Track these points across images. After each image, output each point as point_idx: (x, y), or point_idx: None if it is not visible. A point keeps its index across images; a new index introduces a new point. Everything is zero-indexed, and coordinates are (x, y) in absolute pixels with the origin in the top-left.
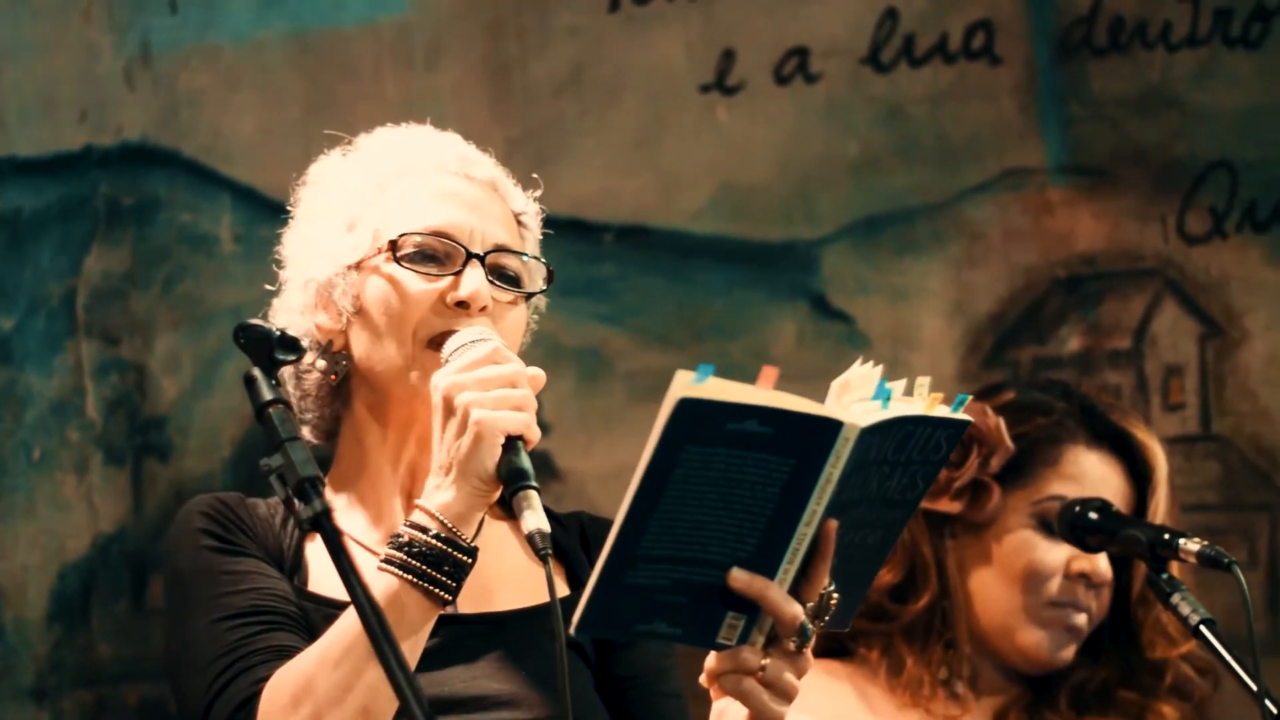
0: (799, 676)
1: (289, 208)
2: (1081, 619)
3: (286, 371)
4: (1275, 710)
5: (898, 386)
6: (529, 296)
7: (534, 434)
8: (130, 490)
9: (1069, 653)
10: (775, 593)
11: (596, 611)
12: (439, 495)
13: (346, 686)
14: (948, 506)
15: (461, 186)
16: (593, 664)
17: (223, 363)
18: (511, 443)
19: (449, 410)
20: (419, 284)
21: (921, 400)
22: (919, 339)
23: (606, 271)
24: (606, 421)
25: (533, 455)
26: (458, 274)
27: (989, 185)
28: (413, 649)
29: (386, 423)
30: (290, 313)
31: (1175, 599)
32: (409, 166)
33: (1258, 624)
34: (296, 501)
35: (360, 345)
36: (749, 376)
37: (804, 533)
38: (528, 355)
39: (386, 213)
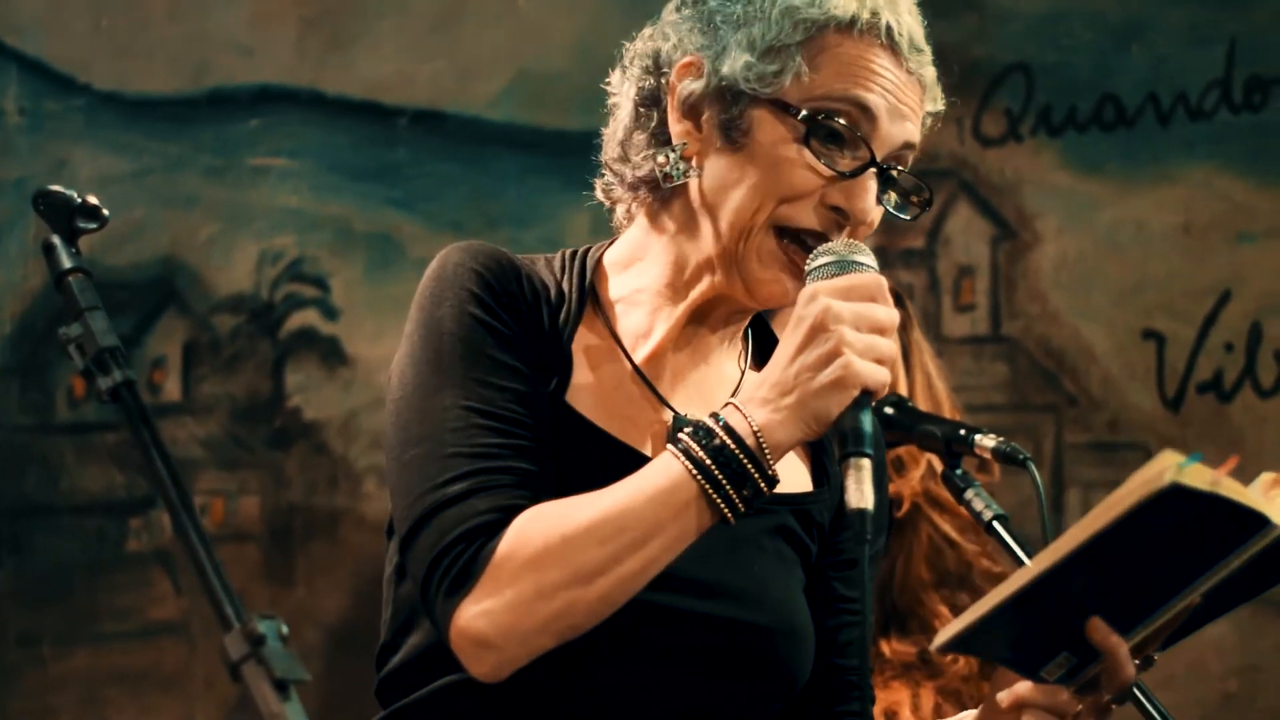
0: None
1: (80, 82)
2: None
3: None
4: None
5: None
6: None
7: (883, 393)
8: None
9: None
10: (1123, 652)
11: (966, 636)
12: (768, 414)
13: (601, 570)
14: None
15: (896, 72)
16: (813, 563)
17: (3, 238)
18: (863, 397)
19: (818, 331)
20: (813, 163)
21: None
22: None
23: (400, 156)
24: (397, 307)
25: (322, 340)
26: (853, 175)
27: None
28: (671, 554)
29: (701, 259)
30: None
31: (969, 494)
32: (856, 20)
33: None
34: (96, 373)
35: (717, 175)
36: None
37: (1176, 606)
38: (319, 238)
39: (812, 60)
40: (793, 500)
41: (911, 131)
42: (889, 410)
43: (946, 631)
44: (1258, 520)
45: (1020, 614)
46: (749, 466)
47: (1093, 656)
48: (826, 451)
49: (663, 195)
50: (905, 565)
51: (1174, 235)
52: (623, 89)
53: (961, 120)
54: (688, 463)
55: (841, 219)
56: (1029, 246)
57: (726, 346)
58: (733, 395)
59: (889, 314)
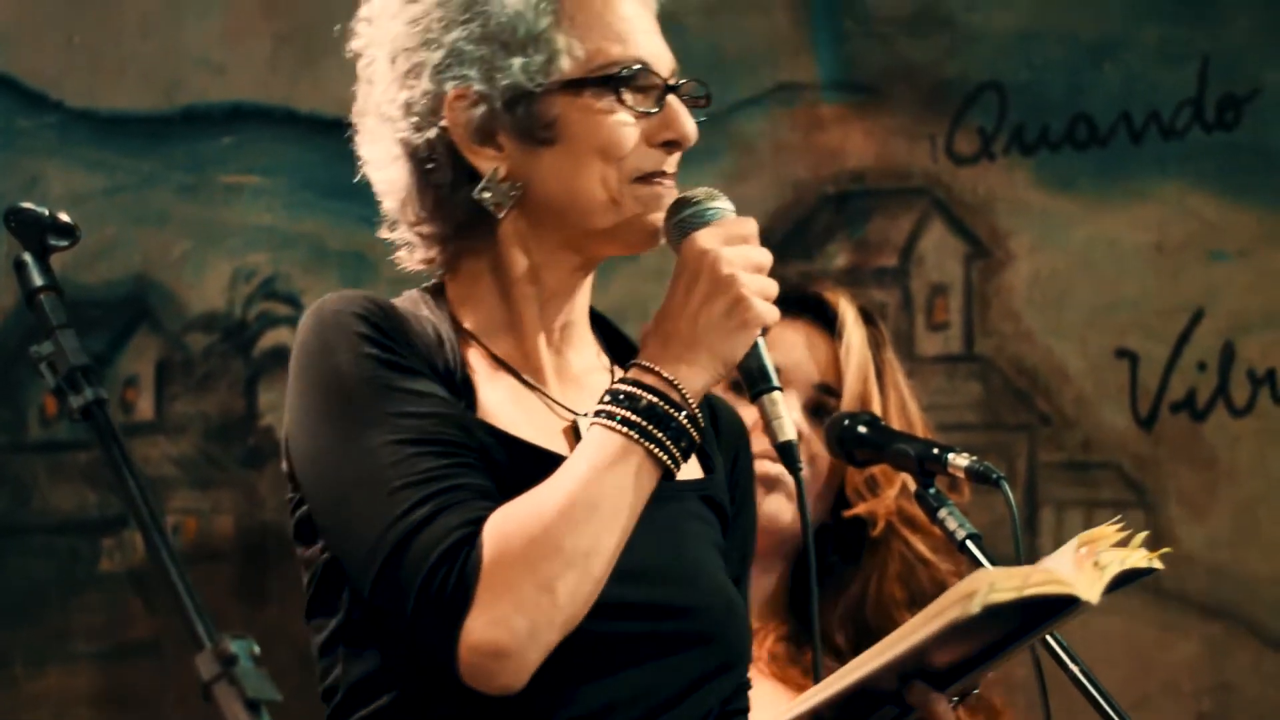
0: None
1: (52, 99)
2: (775, 468)
3: (397, 197)
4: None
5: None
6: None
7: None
8: None
9: (771, 503)
10: (943, 705)
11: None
12: (681, 368)
13: (589, 551)
14: None
15: (634, 2)
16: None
17: None
18: (760, 337)
19: (715, 279)
20: (625, 118)
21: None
22: None
23: None
24: None
25: None
26: (660, 109)
27: (760, 99)
28: (633, 519)
29: (548, 252)
30: (402, 127)
31: (942, 513)
32: None
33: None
34: (68, 392)
35: (549, 178)
36: None
37: (991, 667)
38: (292, 256)
39: (572, 34)
40: (696, 485)
41: (665, 47)
42: (862, 429)
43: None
44: (1068, 600)
45: (842, 706)
46: (680, 419)
47: (911, 710)
48: (705, 438)
49: (488, 226)
50: (878, 584)
51: (1147, 254)
52: (379, 161)
53: (934, 139)
54: (624, 428)
55: (674, 146)
56: (1002, 265)
57: (586, 338)
58: (614, 377)
59: (764, 253)
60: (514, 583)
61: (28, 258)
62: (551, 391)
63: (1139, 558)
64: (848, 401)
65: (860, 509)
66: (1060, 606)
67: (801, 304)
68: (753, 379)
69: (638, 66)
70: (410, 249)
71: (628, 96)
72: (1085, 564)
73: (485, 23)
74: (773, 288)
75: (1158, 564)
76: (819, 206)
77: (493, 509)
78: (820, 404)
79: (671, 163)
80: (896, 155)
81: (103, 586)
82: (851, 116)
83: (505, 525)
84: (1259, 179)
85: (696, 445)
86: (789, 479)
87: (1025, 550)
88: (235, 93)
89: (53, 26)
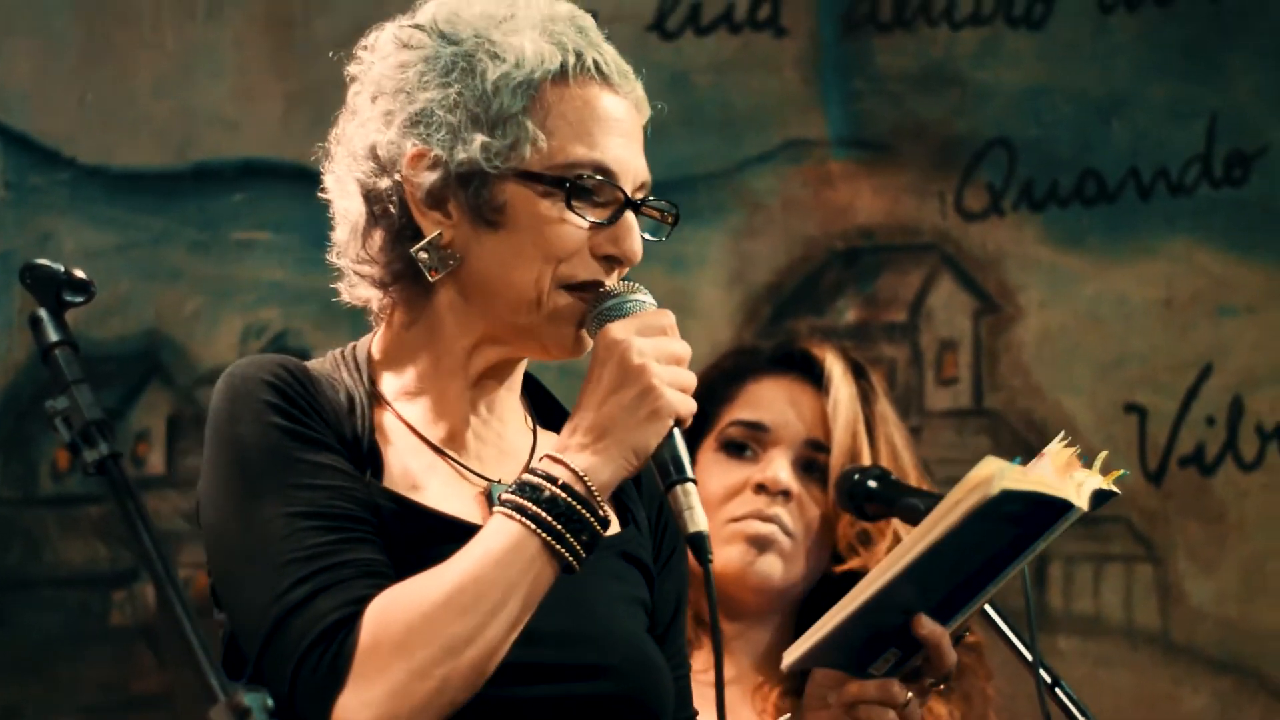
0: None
1: (65, 156)
2: (765, 528)
3: (347, 230)
4: (1050, 679)
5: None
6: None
7: (689, 422)
8: None
9: (764, 564)
10: (946, 642)
11: (814, 651)
12: (589, 458)
13: (469, 639)
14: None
15: (618, 107)
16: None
17: None
18: (674, 427)
19: (626, 370)
20: (575, 221)
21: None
22: (697, 307)
23: None
24: None
25: None
26: (612, 222)
27: (770, 156)
28: (528, 611)
29: (479, 334)
30: (370, 171)
31: None
32: (566, 68)
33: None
34: (83, 446)
35: (486, 259)
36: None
37: (990, 592)
38: (303, 312)
39: (544, 125)
40: (615, 542)
41: (641, 159)
42: (872, 484)
43: (795, 651)
44: (1063, 505)
45: (861, 624)
46: (583, 511)
47: (916, 648)
48: (625, 492)
49: (423, 286)
50: None
51: (1155, 309)
52: (340, 189)
53: (943, 195)
54: (524, 520)
55: (615, 263)
56: (1011, 320)
57: (513, 405)
58: (532, 450)
59: (683, 345)
60: (388, 668)
61: (43, 313)
62: (467, 457)
63: (1104, 480)
64: (836, 456)
65: (853, 564)
66: (1053, 516)
67: (789, 360)
68: (665, 470)
69: (598, 176)
70: (349, 284)
71: (578, 204)
72: (1067, 479)
73: (463, 90)
74: (689, 379)
75: (1114, 488)
76: (828, 262)
77: (380, 586)
78: (810, 460)
79: (612, 278)
80: (906, 211)
81: (113, 640)
82: (861, 173)
83: (387, 610)
84: (1267, 235)
85: (600, 537)
86: (782, 538)
87: (1035, 605)
88: (246, 150)
89: (66, 85)
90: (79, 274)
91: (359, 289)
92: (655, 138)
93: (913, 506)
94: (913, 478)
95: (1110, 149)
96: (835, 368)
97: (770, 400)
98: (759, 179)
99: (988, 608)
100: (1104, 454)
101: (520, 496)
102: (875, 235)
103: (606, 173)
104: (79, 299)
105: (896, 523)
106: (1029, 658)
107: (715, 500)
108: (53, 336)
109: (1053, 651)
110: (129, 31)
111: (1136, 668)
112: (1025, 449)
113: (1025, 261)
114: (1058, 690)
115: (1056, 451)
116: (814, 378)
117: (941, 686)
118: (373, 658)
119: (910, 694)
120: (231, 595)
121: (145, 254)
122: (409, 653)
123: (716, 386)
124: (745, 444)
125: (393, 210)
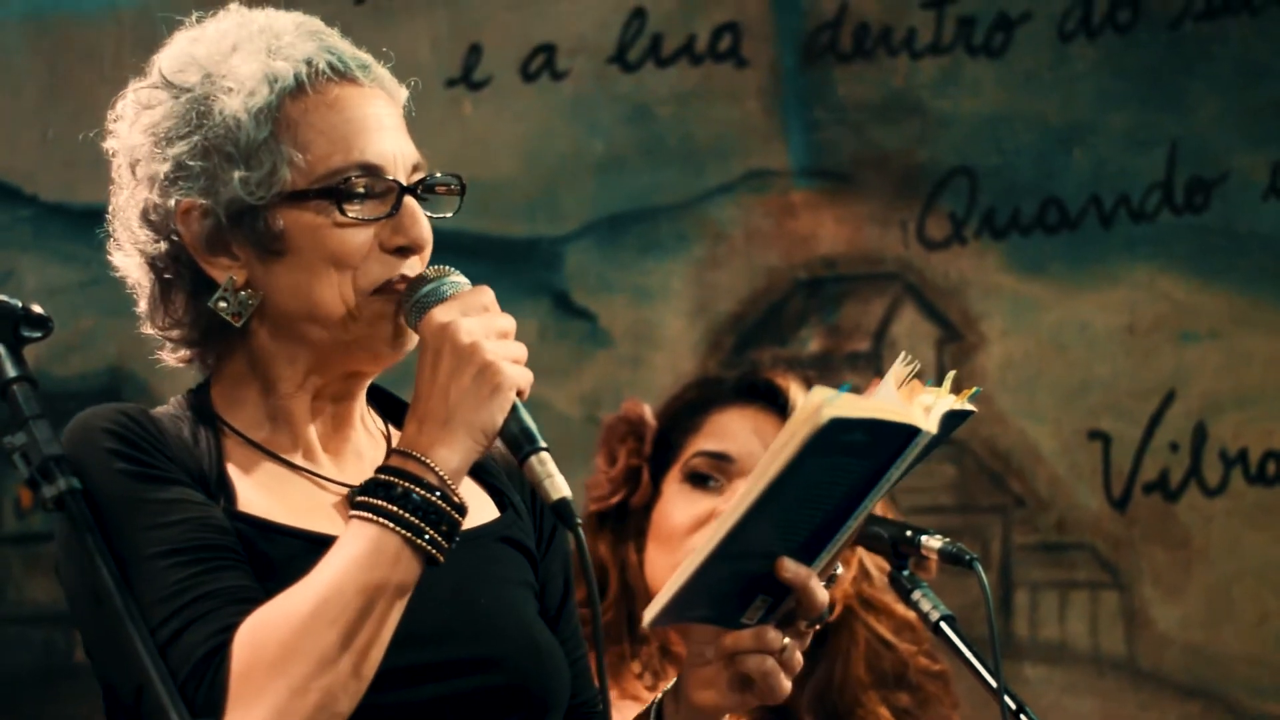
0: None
1: (26, 193)
2: None
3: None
4: (1014, 705)
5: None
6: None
7: (528, 393)
8: None
9: None
10: (815, 582)
11: (673, 605)
12: (436, 447)
13: (343, 647)
14: (611, 501)
15: (366, 100)
16: (536, 585)
17: None
18: (517, 400)
19: (459, 351)
20: (354, 225)
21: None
22: (661, 337)
23: None
24: None
25: None
26: (394, 213)
27: (732, 186)
28: (399, 609)
29: (308, 362)
30: (148, 238)
31: (916, 595)
32: (301, 79)
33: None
34: (41, 482)
35: (284, 289)
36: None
37: (852, 526)
38: None
39: (295, 142)
40: (494, 528)
41: (406, 143)
42: None
43: (654, 607)
44: (909, 430)
45: (716, 571)
46: (438, 501)
47: (784, 592)
48: (492, 474)
49: (238, 332)
50: (844, 667)
51: (1118, 336)
52: (129, 263)
53: (905, 223)
54: (380, 519)
55: (408, 252)
56: (974, 348)
57: (362, 413)
58: (389, 450)
59: (507, 319)
60: (265, 689)
61: (1, 349)
62: (325, 469)
63: (957, 400)
64: None
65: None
66: (901, 443)
67: (753, 391)
68: (516, 443)
69: (358, 175)
70: (169, 350)
71: (350, 207)
72: (912, 403)
73: (207, 135)
74: (521, 351)
75: (971, 406)
76: (791, 292)
77: (247, 611)
78: None
79: (410, 267)
80: (868, 241)
81: (78, 677)
82: (823, 203)
83: (257, 632)
84: (1228, 261)
85: (459, 525)
86: None
87: (1001, 633)
88: None
89: (27, 122)
90: (37, 309)
91: (179, 350)
92: (617, 169)
93: (877, 535)
94: (879, 506)
95: (1071, 177)
96: (799, 397)
97: (735, 431)
98: (721, 209)
99: (951, 634)
100: (953, 373)
101: (373, 496)
102: (838, 265)
103: (371, 169)
104: (37, 334)
105: (862, 551)
106: (994, 685)
107: (681, 531)
108: (10, 372)
109: (1019, 679)
110: (90, 68)
111: (1103, 694)
112: (989, 477)
113: (988, 289)
114: (1023, 718)
115: (897, 373)
116: (778, 408)
117: (818, 627)
118: (248, 682)
119: (786, 639)
120: (103, 650)
121: (107, 291)
122: (284, 670)
123: (681, 417)
124: (710, 475)
125: (182, 270)
